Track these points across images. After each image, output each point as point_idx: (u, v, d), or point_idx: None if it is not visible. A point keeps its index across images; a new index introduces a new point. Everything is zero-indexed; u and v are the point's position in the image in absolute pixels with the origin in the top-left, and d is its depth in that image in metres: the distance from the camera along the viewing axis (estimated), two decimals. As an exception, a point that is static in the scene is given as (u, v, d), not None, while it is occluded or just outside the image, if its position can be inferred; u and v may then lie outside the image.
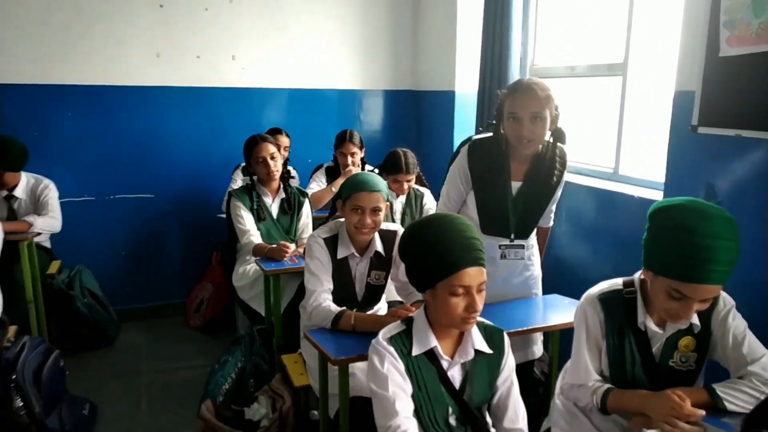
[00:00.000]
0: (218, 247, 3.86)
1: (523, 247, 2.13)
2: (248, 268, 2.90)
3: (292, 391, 2.22)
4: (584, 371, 1.53)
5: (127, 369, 3.24)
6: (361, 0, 4.09)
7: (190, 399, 2.79)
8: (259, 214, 2.88)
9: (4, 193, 3.16)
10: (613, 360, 1.52)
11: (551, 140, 2.04)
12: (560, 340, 2.18)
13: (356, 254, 2.10)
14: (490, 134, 2.09)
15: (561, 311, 2.07)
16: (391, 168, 2.99)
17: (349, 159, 3.50)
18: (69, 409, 2.57)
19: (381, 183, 2.08)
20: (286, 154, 3.54)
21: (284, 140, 3.64)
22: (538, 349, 2.23)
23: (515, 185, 2.08)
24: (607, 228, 2.62)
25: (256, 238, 2.82)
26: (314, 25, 4.01)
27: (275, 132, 3.58)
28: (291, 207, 2.96)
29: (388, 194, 2.08)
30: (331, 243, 2.07)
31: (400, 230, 2.14)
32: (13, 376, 2.38)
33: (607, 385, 1.50)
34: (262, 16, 3.85)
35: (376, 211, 2.03)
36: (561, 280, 2.57)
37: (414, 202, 3.14)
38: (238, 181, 3.58)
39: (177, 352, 3.46)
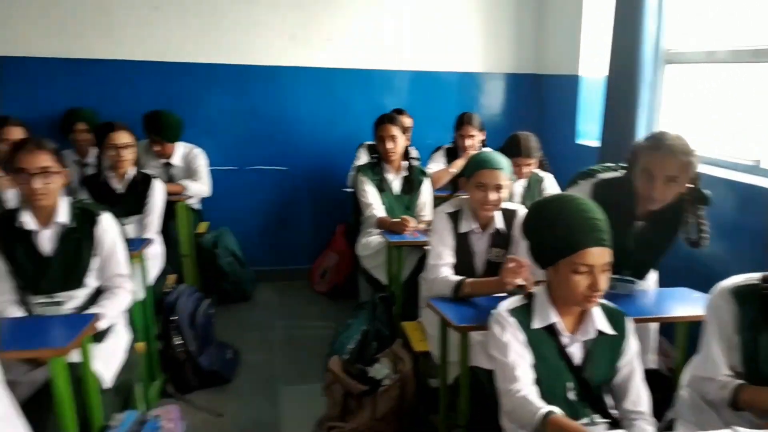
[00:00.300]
0: (342, 219, 4.13)
1: (633, 282, 2.08)
2: (371, 239, 3.11)
3: (412, 356, 2.40)
4: (713, 364, 1.52)
5: (261, 323, 3.61)
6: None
7: (315, 354, 3.10)
8: (382, 187, 3.08)
9: (163, 160, 3.61)
10: (748, 356, 1.49)
11: (688, 197, 1.95)
12: (689, 334, 2.14)
13: (477, 230, 2.21)
14: (616, 174, 2.06)
15: (690, 304, 2.03)
16: (510, 151, 3.03)
17: (468, 141, 3.59)
18: (217, 351, 2.95)
19: (504, 161, 2.17)
20: (408, 134, 3.70)
21: (407, 120, 3.79)
22: (652, 360, 2.20)
23: (638, 224, 2.04)
24: (746, 224, 2.49)
25: (379, 211, 3.02)
26: (438, 7, 4.11)
27: (398, 112, 3.76)
28: (411, 185, 3.12)
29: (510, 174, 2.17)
30: (454, 218, 2.20)
31: (521, 210, 2.22)
32: (174, 317, 2.79)
33: (739, 381, 1.48)
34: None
35: (498, 188, 2.12)
36: (693, 275, 2.50)
37: (534, 186, 3.16)
38: (362, 158, 3.80)
39: (304, 312, 3.79)
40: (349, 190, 3.73)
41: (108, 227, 2.03)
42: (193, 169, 3.59)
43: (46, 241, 1.95)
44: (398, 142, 3.01)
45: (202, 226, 3.82)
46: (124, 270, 2.08)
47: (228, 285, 3.83)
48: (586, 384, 1.53)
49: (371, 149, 3.78)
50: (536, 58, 4.28)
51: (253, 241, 4.16)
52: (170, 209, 3.21)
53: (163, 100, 3.71)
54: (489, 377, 1.95)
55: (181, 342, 2.78)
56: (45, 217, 1.94)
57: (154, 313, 2.73)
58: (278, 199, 4.19)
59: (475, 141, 3.59)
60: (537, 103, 4.33)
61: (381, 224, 2.92)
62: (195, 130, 3.76)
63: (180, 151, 3.62)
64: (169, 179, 3.56)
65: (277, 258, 4.26)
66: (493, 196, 2.12)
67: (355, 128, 4.07)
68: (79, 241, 1.97)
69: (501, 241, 2.23)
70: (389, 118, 3.03)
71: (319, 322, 3.63)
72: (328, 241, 4.18)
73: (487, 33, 4.22)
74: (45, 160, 1.87)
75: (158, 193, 2.91)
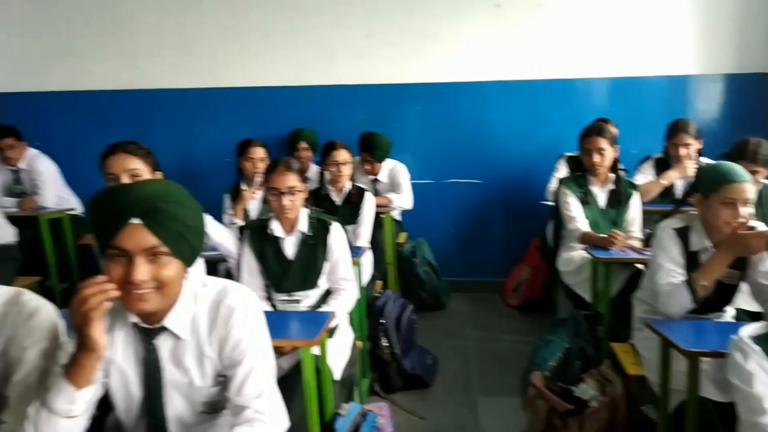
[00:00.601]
0: (537, 233, 4.08)
1: None
2: (573, 254, 3.03)
3: (623, 379, 2.29)
4: None
5: (455, 332, 3.72)
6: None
7: (511, 368, 3.11)
8: (586, 200, 2.99)
9: (371, 177, 3.92)
10: None
11: None
12: None
13: (711, 249, 2.04)
14: None
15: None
16: (737, 155, 2.74)
17: (683, 150, 3.31)
18: (418, 355, 3.11)
19: (746, 173, 1.98)
20: (616, 145, 3.53)
21: (612, 129, 3.63)
22: None
23: None
24: None
25: (583, 225, 2.93)
26: (643, 7, 3.87)
27: (603, 121, 3.60)
28: (619, 198, 2.98)
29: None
30: (683, 234, 2.07)
31: (760, 226, 2.00)
32: (382, 321, 3.01)
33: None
34: (598, 3, 3.89)
35: (746, 203, 1.94)
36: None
37: (765, 200, 2.82)
38: (562, 170, 3.72)
39: (496, 325, 3.82)
40: (547, 203, 3.68)
41: (338, 235, 2.29)
42: (397, 183, 3.84)
43: (290, 246, 2.26)
44: (606, 155, 2.90)
45: (402, 236, 4.06)
46: (350, 274, 2.32)
47: (424, 293, 4.00)
48: None
49: (572, 161, 3.69)
50: (765, 56, 3.81)
51: (447, 252, 4.29)
52: (377, 220, 3.48)
53: (372, 119, 4.05)
54: (718, 410, 1.81)
55: (388, 344, 2.98)
56: (290, 226, 2.26)
57: (365, 316, 2.98)
58: (472, 211, 4.28)
59: (690, 150, 3.31)
60: (765, 105, 3.85)
61: (586, 239, 2.83)
62: (397, 146, 4.01)
63: (386, 167, 3.90)
64: (376, 193, 3.86)
65: (470, 269, 4.35)
66: (743, 212, 1.94)
67: (552, 139, 4.03)
68: (315, 247, 2.25)
69: (737, 260, 2.03)
70: (597, 129, 2.93)
71: (512, 336, 3.63)
72: (521, 254, 4.16)
73: (703, 31, 3.87)
74: (292, 180, 2.19)
75: (370, 205, 3.18)
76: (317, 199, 3.22)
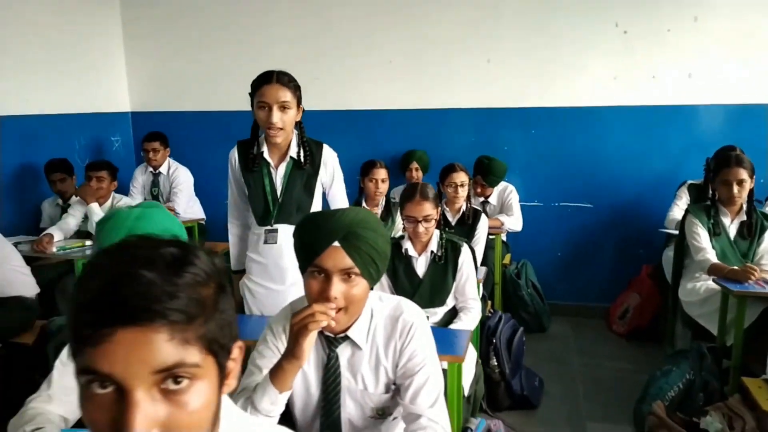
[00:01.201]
0: (648, 259, 4.00)
1: None
2: (699, 284, 2.97)
3: (755, 416, 2.23)
4: None
5: (559, 356, 3.70)
6: None
7: (619, 396, 3.09)
8: (715, 230, 2.92)
9: (481, 199, 4.01)
10: None
11: None
12: None
13: None
14: None
15: None
16: None
17: None
18: (526, 376, 3.15)
19: None
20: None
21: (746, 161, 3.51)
22: None
23: None
24: None
25: (712, 256, 2.88)
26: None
27: (732, 149, 3.49)
28: (751, 231, 2.89)
29: None
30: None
31: None
32: (494, 341, 3.07)
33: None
34: (722, 31, 3.80)
35: None
36: None
37: None
38: (683, 198, 3.65)
39: (601, 351, 3.76)
40: (665, 230, 3.61)
41: (467, 256, 2.40)
42: (508, 205, 3.91)
43: (421, 265, 2.39)
44: (746, 186, 2.83)
45: (507, 257, 4.11)
46: (476, 294, 2.42)
47: (526, 314, 4.02)
48: None
49: (694, 189, 3.63)
50: None
51: (551, 275, 4.29)
52: (487, 241, 3.56)
53: (485, 142, 4.16)
54: None
55: (497, 364, 3.04)
56: (422, 246, 2.39)
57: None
58: (580, 235, 4.26)
59: None
60: None
61: (715, 271, 2.78)
62: (509, 169, 4.07)
63: (497, 189, 3.99)
64: (486, 214, 3.94)
65: (574, 293, 4.32)
66: None
67: (669, 166, 3.97)
68: (445, 267, 2.37)
69: None
70: (737, 160, 2.85)
71: (617, 363, 3.58)
72: (629, 280, 4.09)
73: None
74: (428, 209, 2.34)
75: (484, 227, 3.27)
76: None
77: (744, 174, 2.87)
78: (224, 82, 4.66)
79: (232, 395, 1.49)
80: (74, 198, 3.78)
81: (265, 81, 2.13)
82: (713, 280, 2.75)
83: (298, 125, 2.24)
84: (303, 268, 1.36)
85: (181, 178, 4.27)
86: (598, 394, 3.21)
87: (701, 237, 2.91)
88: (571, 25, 3.98)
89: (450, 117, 4.27)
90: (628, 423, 2.86)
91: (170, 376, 0.66)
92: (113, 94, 4.76)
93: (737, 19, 3.75)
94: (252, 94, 2.18)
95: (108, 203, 3.60)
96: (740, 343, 2.52)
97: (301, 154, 2.24)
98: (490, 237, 3.62)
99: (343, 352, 1.44)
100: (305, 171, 2.25)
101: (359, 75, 4.35)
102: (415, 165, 4.07)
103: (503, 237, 4.07)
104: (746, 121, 3.87)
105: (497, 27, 4.09)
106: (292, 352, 1.30)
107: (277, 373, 1.32)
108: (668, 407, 2.61)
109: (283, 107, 2.12)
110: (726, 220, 2.96)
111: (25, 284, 2.92)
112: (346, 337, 1.42)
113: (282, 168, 2.25)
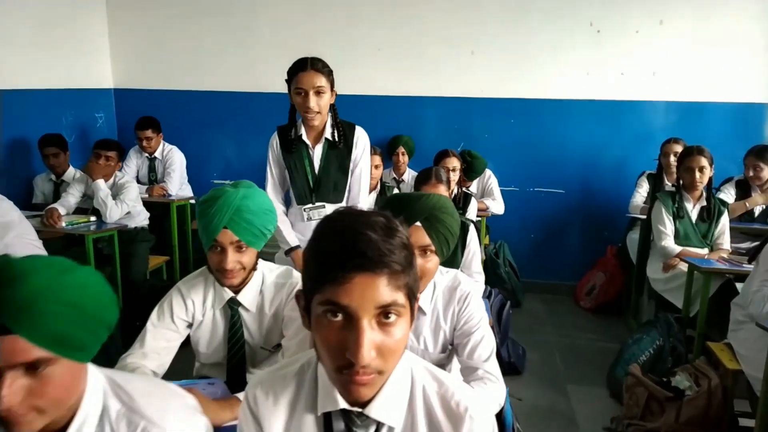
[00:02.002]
0: (613, 240, 4.40)
1: None
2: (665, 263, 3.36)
3: (718, 374, 2.61)
4: None
5: (534, 328, 4.05)
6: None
7: (593, 361, 3.47)
8: (679, 213, 3.31)
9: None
10: None
11: None
12: None
13: None
14: None
15: None
16: None
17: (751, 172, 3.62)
18: (512, 345, 3.47)
19: None
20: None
21: (679, 146, 3.93)
22: None
23: None
24: None
25: (671, 243, 3.27)
26: (720, 36, 4.16)
27: (675, 141, 3.90)
28: (710, 214, 3.29)
29: None
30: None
31: None
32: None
33: None
34: (685, 34, 4.19)
35: None
36: None
37: None
38: (644, 186, 4.03)
39: (572, 324, 4.14)
40: (632, 215, 4.00)
41: (473, 235, 2.65)
42: (490, 190, 4.20)
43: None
44: (705, 173, 3.21)
45: (486, 238, 4.41)
46: (480, 267, 2.68)
47: (504, 291, 4.29)
48: None
49: (651, 178, 4.02)
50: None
51: (525, 255, 4.63)
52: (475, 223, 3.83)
53: (468, 129, 4.43)
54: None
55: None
56: None
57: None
58: (551, 218, 4.61)
59: (764, 174, 3.61)
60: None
61: (680, 255, 3.17)
62: (489, 155, 4.36)
63: (477, 179, 4.26)
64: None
65: (545, 271, 4.68)
66: None
67: (633, 156, 4.35)
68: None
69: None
70: (699, 149, 3.23)
71: (588, 334, 3.95)
72: (595, 260, 4.48)
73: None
74: (442, 191, 2.57)
75: (474, 210, 3.56)
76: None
77: (704, 162, 3.26)
78: (208, 61, 4.72)
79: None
80: (71, 175, 3.80)
81: (300, 68, 2.28)
82: (682, 259, 3.13)
83: (332, 108, 2.41)
84: None
85: (174, 159, 4.33)
86: (573, 361, 3.56)
87: (666, 224, 3.29)
88: (549, 22, 4.28)
89: (434, 104, 4.51)
90: (603, 385, 3.23)
91: (385, 311, 0.86)
92: (97, 70, 4.73)
93: (699, 23, 4.16)
94: (288, 81, 2.33)
95: (111, 181, 3.64)
96: (705, 312, 2.90)
97: (336, 134, 2.42)
98: (477, 219, 3.90)
99: None
100: (340, 151, 2.43)
101: (348, 61, 4.50)
102: (401, 149, 4.29)
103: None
104: (703, 117, 4.29)
105: (481, 21, 4.34)
106: None
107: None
108: (641, 369, 2.98)
109: (318, 92, 2.28)
110: (689, 205, 3.34)
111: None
112: None
113: (318, 148, 2.43)
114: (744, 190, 3.75)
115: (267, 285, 1.76)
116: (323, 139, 2.42)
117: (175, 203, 4.13)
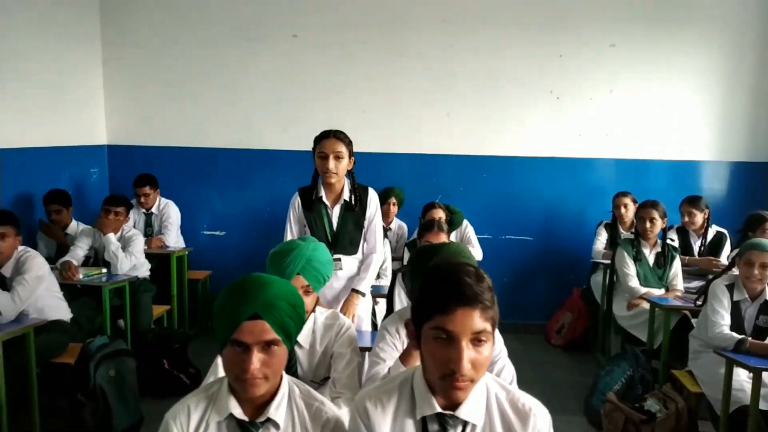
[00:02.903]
0: (578, 283, 4.88)
1: None
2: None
3: (683, 397, 3.04)
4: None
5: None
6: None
7: (566, 393, 3.85)
8: (638, 257, 3.80)
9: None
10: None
11: None
12: None
13: (749, 300, 2.85)
14: None
15: None
16: (750, 225, 3.62)
17: (693, 218, 4.19)
18: (498, 380, 3.81)
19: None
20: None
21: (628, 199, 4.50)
22: None
23: None
24: None
25: (635, 282, 3.76)
26: (666, 100, 4.83)
27: (623, 195, 4.48)
28: (666, 259, 3.80)
29: None
30: (730, 288, 2.87)
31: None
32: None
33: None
34: (631, 101, 4.84)
35: (764, 266, 2.77)
36: None
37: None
38: (603, 234, 4.55)
39: (545, 360, 4.52)
40: (597, 260, 4.49)
41: None
42: (467, 239, 4.60)
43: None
44: (656, 224, 3.74)
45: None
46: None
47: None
48: None
49: (608, 227, 4.55)
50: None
51: (498, 297, 4.91)
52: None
53: (446, 183, 4.90)
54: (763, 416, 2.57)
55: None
56: None
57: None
58: (521, 263, 5.06)
59: (697, 219, 4.17)
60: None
61: (642, 296, 3.66)
62: (463, 206, 4.78)
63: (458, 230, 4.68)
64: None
65: (518, 312, 5.08)
66: (756, 272, 2.77)
67: (592, 207, 4.89)
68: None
69: (768, 310, 2.84)
70: (652, 203, 3.77)
71: (560, 369, 4.35)
72: (562, 301, 4.93)
73: (717, 121, 4.84)
74: (443, 238, 2.93)
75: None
76: (414, 249, 3.95)
77: (655, 214, 3.78)
78: (199, 119, 5.02)
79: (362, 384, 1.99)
80: (74, 228, 3.95)
81: (325, 136, 2.71)
82: (645, 299, 3.61)
83: (350, 173, 2.77)
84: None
85: (170, 213, 4.54)
86: (551, 393, 3.90)
87: (629, 265, 3.78)
88: (516, 89, 4.85)
89: (414, 161, 4.95)
90: (581, 414, 3.60)
91: (476, 337, 1.18)
92: (92, 127, 4.92)
93: (644, 93, 4.82)
94: (313, 147, 2.71)
95: (119, 234, 3.83)
96: (668, 344, 3.35)
97: (352, 198, 2.78)
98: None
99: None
100: (355, 212, 2.78)
101: (336, 122, 4.85)
102: (392, 200, 4.66)
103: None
104: (647, 172, 4.91)
105: (456, 88, 4.86)
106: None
107: (405, 357, 1.84)
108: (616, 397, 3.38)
109: (338, 156, 2.67)
110: (646, 251, 3.85)
111: (63, 309, 3.14)
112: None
113: (336, 209, 2.77)
114: (683, 235, 4.31)
115: (318, 325, 2.05)
116: (341, 201, 2.78)
117: (175, 254, 4.33)
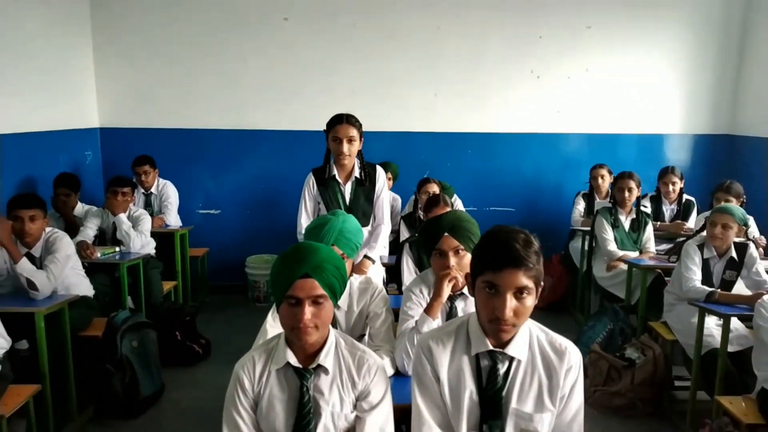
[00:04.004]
0: (556, 249, 5.24)
1: None
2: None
3: (659, 345, 3.41)
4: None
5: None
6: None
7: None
8: (615, 224, 4.16)
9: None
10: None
11: None
12: None
13: (717, 257, 3.23)
14: None
15: None
16: (718, 188, 4.02)
17: (671, 187, 4.57)
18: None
19: (735, 210, 3.17)
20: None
21: (604, 170, 4.85)
22: None
23: None
24: None
25: (613, 246, 4.12)
26: (636, 73, 5.18)
27: (600, 166, 4.83)
28: (640, 225, 4.17)
29: (742, 218, 3.17)
30: (701, 248, 3.24)
31: (752, 244, 3.20)
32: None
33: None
34: (606, 79, 5.17)
35: (725, 227, 3.13)
36: None
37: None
38: (581, 203, 4.90)
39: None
40: (575, 228, 4.84)
41: None
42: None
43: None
44: (633, 193, 4.09)
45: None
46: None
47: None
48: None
49: (586, 197, 4.90)
50: (732, 120, 5.21)
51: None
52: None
53: (434, 159, 5.16)
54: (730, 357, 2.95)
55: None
56: None
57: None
58: (505, 233, 5.38)
59: (676, 187, 4.56)
60: (729, 165, 5.21)
61: (620, 258, 4.02)
62: (451, 180, 5.06)
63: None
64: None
65: (501, 280, 5.42)
66: (718, 231, 3.14)
67: (569, 179, 5.23)
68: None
69: (734, 266, 3.21)
70: (629, 174, 4.12)
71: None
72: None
73: (682, 97, 5.23)
74: (442, 210, 3.18)
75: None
76: (411, 221, 4.21)
77: (632, 184, 4.14)
78: (189, 101, 5.14)
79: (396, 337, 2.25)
80: (80, 211, 4.07)
81: (338, 122, 2.94)
82: (622, 260, 3.97)
83: (359, 153, 3.01)
84: (429, 253, 2.18)
85: (169, 193, 4.68)
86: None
87: (608, 231, 4.13)
88: (498, 70, 5.13)
89: (403, 139, 5.19)
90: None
91: (521, 290, 1.42)
92: (84, 111, 4.98)
93: (617, 71, 5.16)
94: (327, 131, 2.93)
95: (126, 214, 3.97)
96: (644, 299, 3.73)
97: (363, 175, 3.01)
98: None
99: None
100: (366, 187, 3.02)
101: (327, 103, 5.07)
102: (389, 174, 4.88)
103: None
104: (621, 145, 5.27)
105: (442, 69, 5.11)
106: (438, 294, 2.10)
107: (429, 310, 2.11)
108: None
109: (350, 140, 2.92)
110: (622, 217, 4.21)
111: (86, 285, 3.30)
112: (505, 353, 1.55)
113: (348, 185, 3.02)
114: (656, 203, 4.69)
115: (354, 289, 2.29)
116: (353, 178, 3.01)
117: (178, 233, 4.49)
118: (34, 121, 4.26)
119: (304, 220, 3.06)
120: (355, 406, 1.62)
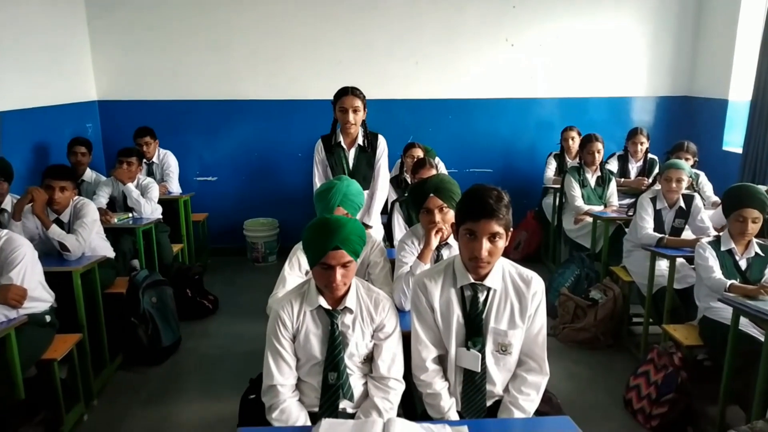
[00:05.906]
0: (531, 206, 5.68)
1: None
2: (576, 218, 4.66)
3: (619, 286, 3.90)
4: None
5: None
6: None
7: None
8: (583, 182, 4.60)
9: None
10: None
11: None
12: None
13: (668, 208, 3.69)
14: None
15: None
16: (676, 148, 4.46)
17: (639, 147, 5.00)
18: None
19: (684, 165, 3.63)
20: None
21: (574, 132, 5.26)
22: None
23: None
24: None
25: (580, 202, 4.56)
26: (602, 39, 5.56)
27: (570, 129, 5.23)
28: (604, 181, 4.61)
29: (690, 173, 3.62)
30: (653, 201, 3.69)
31: (697, 196, 3.67)
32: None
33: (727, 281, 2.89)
34: (575, 46, 5.53)
35: (680, 180, 3.58)
36: None
37: (694, 179, 4.52)
38: (552, 163, 5.33)
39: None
40: (547, 186, 5.28)
41: None
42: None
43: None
44: (600, 153, 4.52)
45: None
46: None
47: (452, 252, 5.49)
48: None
49: (557, 157, 5.32)
50: (689, 82, 5.63)
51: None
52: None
53: (416, 125, 5.53)
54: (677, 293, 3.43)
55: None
56: None
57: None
58: (483, 192, 5.80)
59: (644, 147, 4.99)
60: (687, 125, 5.67)
61: (586, 212, 4.48)
62: (433, 144, 5.42)
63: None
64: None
65: (481, 235, 5.87)
66: (674, 185, 3.59)
67: (541, 140, 5.65)
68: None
69: (682, 214, 3.68)
70: (595, 137, 4.54)
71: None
72: (518, 222, 5.74)
73: (646, 61, 5.63)
74: (433, 172, 3.57)
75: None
76: (397, 182, 4.59)
77: (599, 146, 4.56)
78: (184, 73, 5.38)
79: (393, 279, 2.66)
80: (89, 176, 4.38)
81: (344, 93, 3.27)
82: (588, 214, 4.43)
83: (363, 123, 3.36)
84: (417, 211, 2.56)
85: (170, 162, 4.98)
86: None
87: (576, 188, 4.58)
88: (475, 39, 5.45)
89: (387, 106, 5.51)
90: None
91: (493, 235, 1.79)
92: (83, 85, 5.21)
93: (585, 39, 5.53)
94: (334, 103, 3.27)
95: (135, 182, 4.28)
96: (607, 248, 4.20)
97: (365, 142, 3.37)
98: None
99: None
100: (367, 153, 3.38)
101: (313, 72, 5.40)
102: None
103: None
104: (590, 108, 5.68)
105: (422, 39, 5.42)
106: (427, 243, 2.51)
107: (421, 256, 2.51)
108: (568, 291, 4.23)
109: (356, 110, 3.27)
110: (588, 176, 4.65)
111: (107, 248, 3.64)
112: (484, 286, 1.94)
113: (352, 151, 3.38)
114: (623, 161, 5.13)
115: None
116: (356, 145, 3.37)
117: (182, 199, 4.81)
118: (39, 97, 4.49)
119: (319, 183, 3.41)
120: (372, 336, 2.02)
